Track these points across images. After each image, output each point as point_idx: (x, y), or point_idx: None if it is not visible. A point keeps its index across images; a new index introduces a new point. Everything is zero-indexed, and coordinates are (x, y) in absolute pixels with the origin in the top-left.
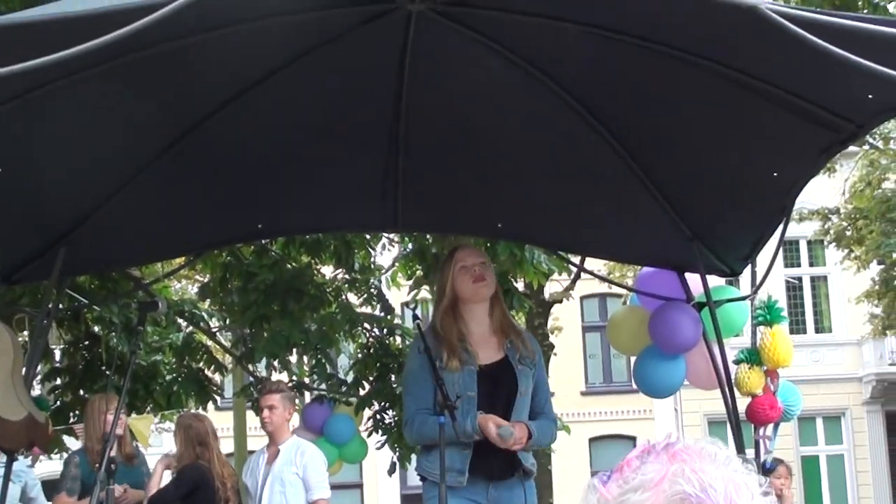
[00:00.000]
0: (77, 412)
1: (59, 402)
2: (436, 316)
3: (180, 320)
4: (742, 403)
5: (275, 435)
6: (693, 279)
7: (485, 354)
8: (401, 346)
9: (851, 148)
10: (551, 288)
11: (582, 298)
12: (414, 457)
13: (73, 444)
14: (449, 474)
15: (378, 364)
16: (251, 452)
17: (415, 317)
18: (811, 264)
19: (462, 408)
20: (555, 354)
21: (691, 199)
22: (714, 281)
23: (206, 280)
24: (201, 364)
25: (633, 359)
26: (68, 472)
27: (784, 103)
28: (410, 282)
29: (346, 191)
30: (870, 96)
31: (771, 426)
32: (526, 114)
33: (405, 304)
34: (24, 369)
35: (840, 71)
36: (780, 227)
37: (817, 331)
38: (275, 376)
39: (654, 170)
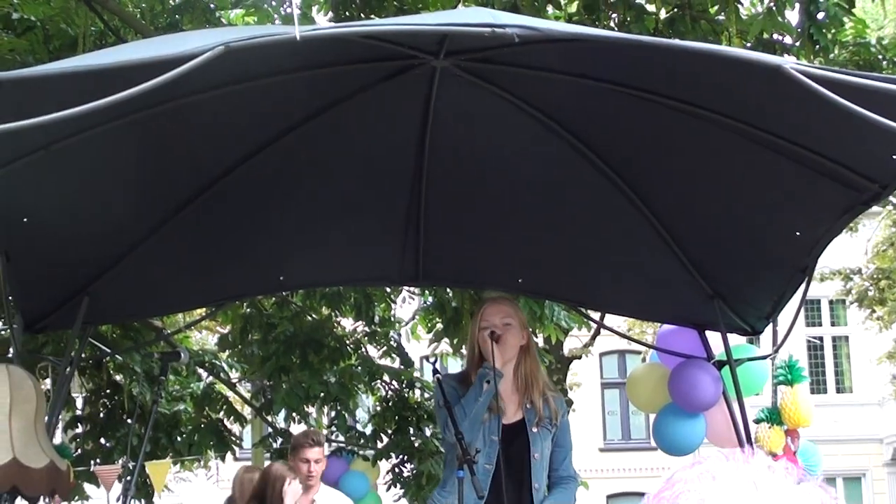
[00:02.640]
0: (98, 460)
1: (80, 450)
2: (468, 366)
3: (200, 370)
4: None
5: (313, 487)
6: (714, 337)
7: (509, 412)
8: (420, 400)
9: (874, 208)
10: (570, 344)
11: (601, 355)
12: None
13: (93, 491)
14: None
15: (397, 417)
16: None
17: (434, 370)
18: (833, 324)
19: (485, 453)
20: (573, 410)
21: (712, 257)
22: (735, 339)
23: (226, 331)
24: (221, 414)
25: (652, 416)
26: None
27: (807, 162)
28: (430, 335)
29: (367, 244)
30: (894, 157)
31: None
32: (547, 169)
33: (425, 358)
34: (46, 417)
35: (864, 130)
36: (802, 286)
37: (838, 391)
38: (293, 428)
39: (675, 228)
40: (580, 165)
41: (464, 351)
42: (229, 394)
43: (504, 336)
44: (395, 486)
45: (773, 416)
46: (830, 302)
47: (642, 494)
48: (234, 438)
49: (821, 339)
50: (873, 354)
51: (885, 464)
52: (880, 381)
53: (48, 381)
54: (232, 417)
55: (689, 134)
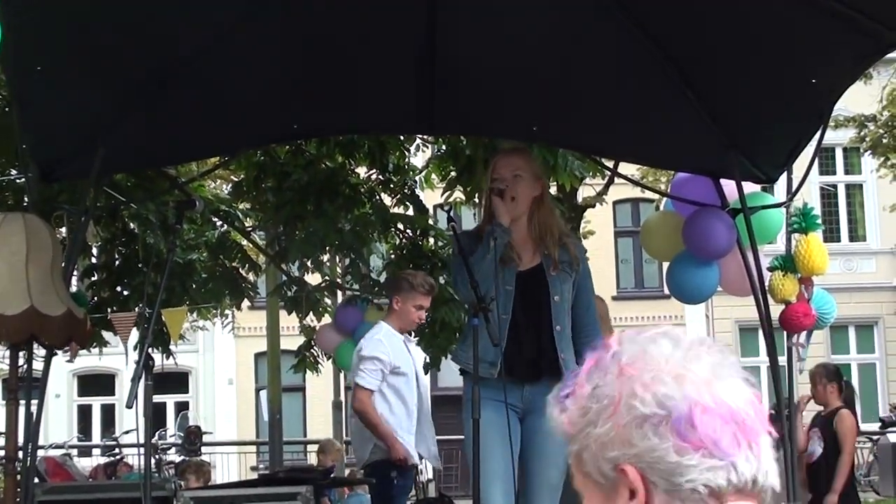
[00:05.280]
0: (114, 308)
1: (96, 298)
2: (482, 220)
3: (215, 219)
4: (775, 311)
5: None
6: (728, 185)
7: (524, 260)
8: (433, 248)
9: (890, 55)
10: (584, 192)
11: (615, 203)
12: (443, 359)
13: (110, 338)
14: (481, 365)
15: (411, 265)
16: (284, 352)
17: (449, 219)
18: (846, 172)
19: (500, 303)
20: (587, 259)
21: (729, 104)
22: (749, 187)
23: (240, 179)
24: (236, 263)
25: (665, 264)
26: None
27: (824, 9)
28: (444, 184)
29: (380, 92)
30: None
31: (804, 333)
32: (561, 17)
33: (439, 206)
34: (62, 265)
35: None
36: (817, 134)
37: (851, 239)
38: (308, 277)
39: (691, 74)
40: (596, 12)
41: (477, 199)
42: (244, 242)
43: (513, 189)
44: (410, 334)
45: (787, 263)
46: (845, 150)
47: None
48: (248, 286)
49: (835, 186)
50: (887, 202)
51: None
52: (893, 228)
53: (63, 229)
54: (247, 266)
55: None
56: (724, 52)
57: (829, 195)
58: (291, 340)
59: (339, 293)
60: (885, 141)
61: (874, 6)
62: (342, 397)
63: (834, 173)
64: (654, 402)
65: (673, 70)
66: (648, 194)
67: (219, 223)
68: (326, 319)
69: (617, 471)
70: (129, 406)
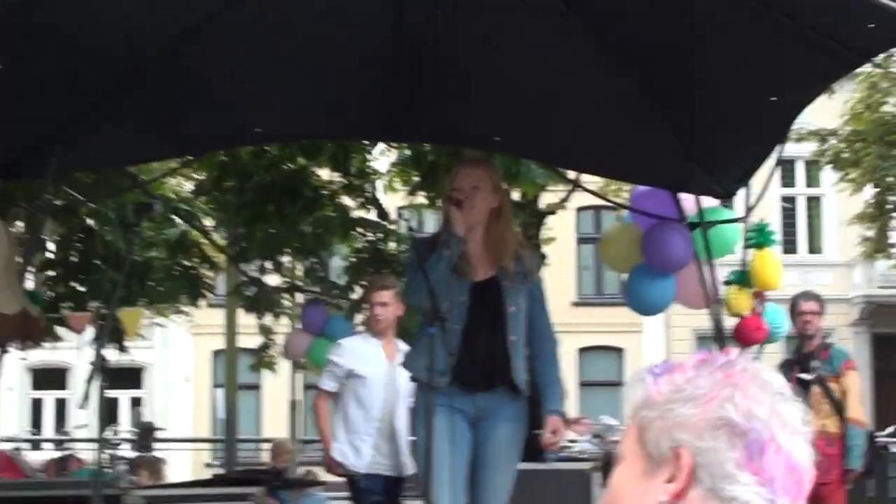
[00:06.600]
0: (70, 304)
1: (52, 294)
2: (440, 229)
3: (175, 217)
4: (730, 323)
5: (388, 331)
6: (688, 199)
7: (480, 271)
8: (394, 252)
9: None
10: (546, 199)
11: (578, 210)
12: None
13: (64, 334)
14: (433, 373)
15: (371, 269)
16: (242, 349)
17: (409, 228)
18: (807, 185)
19: (453, 314)
20: (547, 265)
21: (689, 119)
22: (708, 202)
23: (201, 177)
24: (195, 261)
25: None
26: None
27: (786, 29)
28: (407, 188)
29: (344, 99)
30: (871, 25)
31: (757, 347)
32: (524, 28)
33: (401, 211)
34: (18, 263)
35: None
36: (776, 150)
37: (810, 251)
38: (267, 277)
39: (652, 89)
40: (559, 24)
41: (439, 203)
42: (203, 241)
43: (470, 200)
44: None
45: (742, 278)
46: (806, 162)
47: (614, 349)
48: (206, 285)
49: (794, 199)
50: (845, 216)
51: (851, 323)
52: (850, 242)
53: (20, 224)
54: (206, 265)
55: None
56: (684, 67)
57: (788, 207)
58: (249, 339)
59: (298, 294)
60: (845, 155)
61: (836, 28)
62: (298, 396)
63: (794, 186)
64: (745, 415)
65: (633, 84)
66: None
67: (179, 222)
68: (284, 320)
69: (673, 452)
70: (81, 407)
